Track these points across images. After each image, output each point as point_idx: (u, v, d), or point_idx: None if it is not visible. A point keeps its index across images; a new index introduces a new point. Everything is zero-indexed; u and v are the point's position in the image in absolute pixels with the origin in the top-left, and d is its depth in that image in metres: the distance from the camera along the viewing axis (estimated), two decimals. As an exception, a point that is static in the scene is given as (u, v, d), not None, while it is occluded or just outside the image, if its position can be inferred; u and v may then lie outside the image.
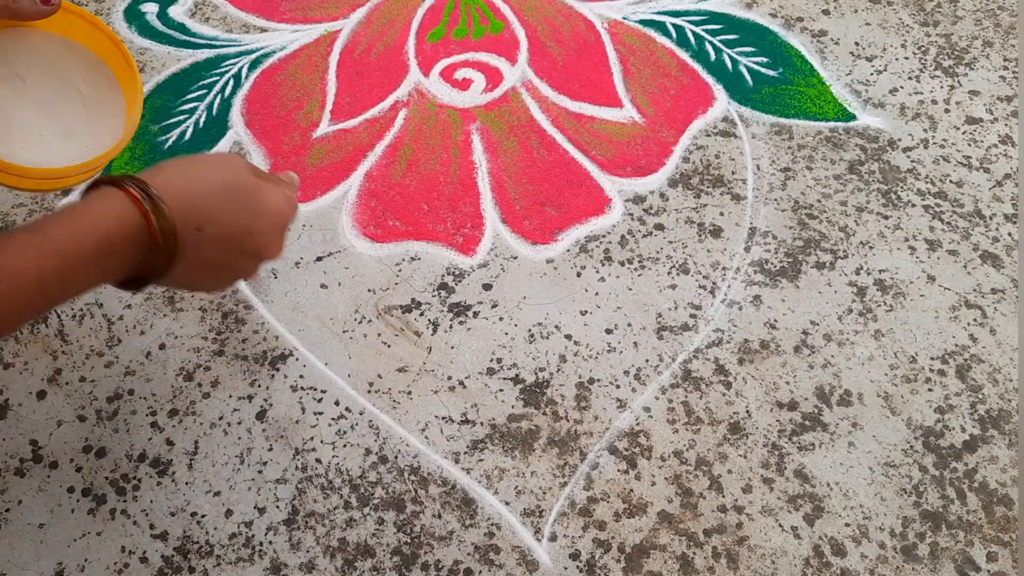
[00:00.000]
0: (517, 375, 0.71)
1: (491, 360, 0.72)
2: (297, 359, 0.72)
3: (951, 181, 0.83)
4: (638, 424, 0.69)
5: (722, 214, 0.81)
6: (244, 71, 0.94)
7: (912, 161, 0.85)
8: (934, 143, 0.86)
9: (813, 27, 0.97)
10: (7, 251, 0.43)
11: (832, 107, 0.89)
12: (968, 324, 0.74)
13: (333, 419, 0.69)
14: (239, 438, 0.68)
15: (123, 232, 0.46)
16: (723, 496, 0.65)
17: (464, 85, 0.92)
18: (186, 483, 0.66)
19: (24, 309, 0.45)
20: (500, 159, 0.85)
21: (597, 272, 0.77)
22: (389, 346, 0.73)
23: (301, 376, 0.71)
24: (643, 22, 0.98)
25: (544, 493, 0.65)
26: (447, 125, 0.88)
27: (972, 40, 0.95)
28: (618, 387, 0.71)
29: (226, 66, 0.94)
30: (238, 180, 0.51)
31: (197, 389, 0.71)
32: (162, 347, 0.73)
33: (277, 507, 0.65)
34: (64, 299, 0.47)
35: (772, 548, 0.63)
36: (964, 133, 0.87)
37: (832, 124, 0.88)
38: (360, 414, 0.69)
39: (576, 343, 0.73)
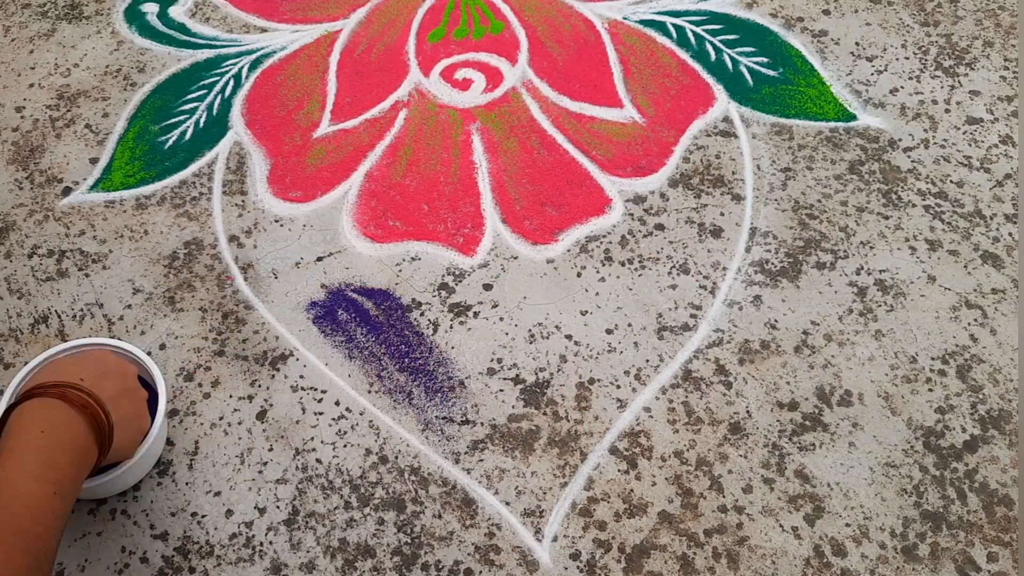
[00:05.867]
0: (517, 375, 0.71)
1: (491, 360, 0.72)
2: (297, 359, 0.72)
3: (951, 181, 0.83)
4: (638, 424, 0.69)
5: (722, 214, 0.81)
6: (244, 71, 0.94)
7: (912, 161, 0.85)
8: (934, 143, 0.86)
9: (813, 27, 0.97)
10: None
11: (832, 107, 0.89)
12: (968, 324, 0.74)
13: (333, 419, 0.69)
14: (239, 438, 0.68)
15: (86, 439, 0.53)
16: (723, 496, 0.65)
17: (464, 85, 0.92)
18: (186, 483, 0.66)
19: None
20: (500, 159, 0.85)
21: (597, 272, 0.77)
22: (389, 346, 0.73)
23: (301, 376, 0.71)
24: (643, 22, 0.98)
25: (544, 493, 0.65)
26: (447, 125, 0.88)
27: (972, 40, 0.95)
28: (618, 387, 0.70)
29: (226, 66, 0.94)
30: (79, 350, 0.63)
31: (197, 389, 0.71)
32: (162, 347, 0.73)
33: (277, 507, 0.65)
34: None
35: (772, 548, 0.63)
36: (964, 133, 0.87)
37: (832, 124, 0.88)
38: (360, 414, 0.69)
39: (576, 343, 0.73)
